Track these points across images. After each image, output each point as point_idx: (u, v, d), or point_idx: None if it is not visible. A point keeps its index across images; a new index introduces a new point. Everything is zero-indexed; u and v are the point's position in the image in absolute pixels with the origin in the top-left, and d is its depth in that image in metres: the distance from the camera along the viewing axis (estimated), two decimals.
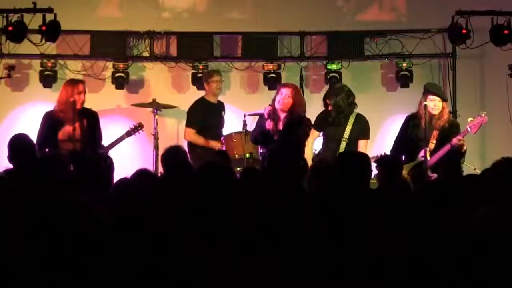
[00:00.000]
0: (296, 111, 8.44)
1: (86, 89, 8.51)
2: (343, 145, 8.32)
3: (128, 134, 8.91)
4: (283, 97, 8.43)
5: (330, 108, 8.39)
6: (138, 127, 8.98)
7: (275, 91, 8.82)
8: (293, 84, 8.87)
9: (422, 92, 8.38)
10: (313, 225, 4.08)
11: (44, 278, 2.97)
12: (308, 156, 8.34)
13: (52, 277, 2.96)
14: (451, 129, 8.23)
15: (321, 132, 8.53)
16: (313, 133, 8.54)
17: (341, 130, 8.36)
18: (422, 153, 8.05)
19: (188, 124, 9.22)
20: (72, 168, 5.75)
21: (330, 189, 5.30)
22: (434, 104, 8.19)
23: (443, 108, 8.26)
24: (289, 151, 8.12)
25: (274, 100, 8.50)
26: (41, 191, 4.95)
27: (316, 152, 8.52)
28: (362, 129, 8.40)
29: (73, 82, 8.53)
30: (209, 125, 9.16)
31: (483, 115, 8.17)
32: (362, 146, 8.35)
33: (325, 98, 8.54)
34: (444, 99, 8.32)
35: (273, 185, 5.35)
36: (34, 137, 7.85)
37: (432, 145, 8.12)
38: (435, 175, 7.65)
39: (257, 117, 8.80)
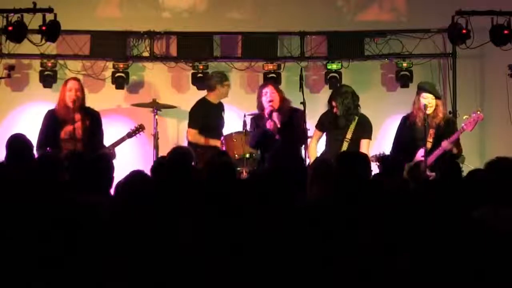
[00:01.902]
0: (286, 105, 8.50)
1: (80, 85, 8.46)
2: (345, 146, 8.36)
3: (129, 135, 8.93)
4: (270, 96, 8.46)
5: (336, 110, 8.40)
6: (139, 129, 9.00)
7: None
8: (270, 82, 8.98)
9: None
10: (315, 227, 4.08)
11: (53, 277, 2.97)
12: (312, 156, 8.36)
13: (61, 276, 2.97)
14: (447, 127, 8.26)
15: (324, 133, 8.56)
16: (316, 133, 8.57)
17: (343, 131, 8.40)
18: (421, 153, 8.05)
19: (190, 125, 9.23)
20: (70, 168, 5.75)
21: (331, 191, 5.30)
22: (428, 101, 8.22)
23: (436, 105, 8.28)
24: (291, 150, 8.16)
25: (260, 104, 8.52)
26: (40, 191, 4.96)
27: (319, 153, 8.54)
28: (364, 129, 8.45)
29: (65, 82, 8.58)
30: (210, 126, 9.17)
31: (478, 112, 8.19)
32: (364, 146, 8.39)
33: (330, 100, 8.54)
34: (437, 97, 8.33)
35: (276, 185, 5.34)
36: (34, 137, 7.86)
37: (429, 144, 8.13)
38: (433, 174, 7.66)
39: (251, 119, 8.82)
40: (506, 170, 5.10)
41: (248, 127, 8.71)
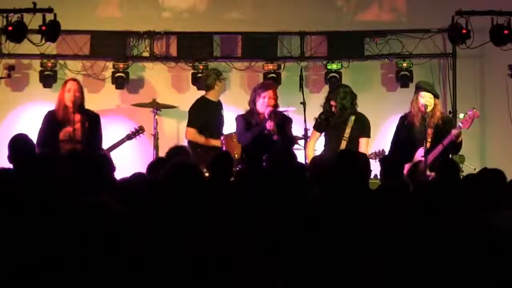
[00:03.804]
0: (278, 110, 8.45)
1: (78, 86, 8.41)
2: (343, 145, 8.35)
3: (129, 137, 8.92)
4: (268, 100, 8.37)
5: (335, 109, 8.39)
6: (139, 131, 8.99)
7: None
8: (270, 83, 8.93)
9: None
10: (314, 227, 4.08)
11: (65, 278, 2.97)
12: (310, 157, 8.34)
13: (75, 277, 2.96)
14: (445, 126, 8.25)
15: (323, 133, 8.55)
16: (314, 134, 8.55)
17: (342, 130, 8.39)
18: (421, 153, 8.05)
19: (189, 124, 9.21)
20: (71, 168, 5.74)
21: (330, 191, 5.30)
22: (426, 100, 8.21)
23: (435, 104, 8.27)
24: (291, 150, 8.15)
25: (254, 103, 8.43)
26: (41, 191, 4.95)
27: (317, 153, 8.52)
28: (363, 128, 8.45)
29: (63, 83, 8.56)
30: (210, 124, 9.15)
31: (474, 110, 8.20)
32: (363, 144, 8.40)
33: (329, 100, 8.52)
34: (435, 96, 8.33)
35: (277, 185, 5.34)
36: (34, 137, 7.86)
37: (428, 144, 8.12)
38: (433, 174, 7.66)
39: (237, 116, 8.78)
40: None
41: (236, 125, 8.66)
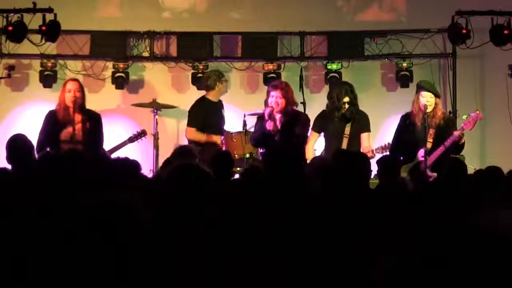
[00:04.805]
0: (290, 109, 8.43)
1: (79, 86, 8.40)
2: (345, 142, 8.34)
3: (131, 140, 8.91)
4: (275, 100, 8.39)
5: (348, 104, 8.37)
6: (141, 134, 8.99)
7: None
8: (280, 83, 8.86)
9: None
10: (312, 226, 4.08)
11: (83, 277, 2.97)
12: (310, 157, 8.33)
13: (91, 276, 2.96)
14: (447, 126, 8.24)
15: (322, 133, 8.54)
16: (313, 135, 8.52)
17: (342, 127, 8.38)
18: (421, 153, 8.05)
19: (189, 123, 9.21)
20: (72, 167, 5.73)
21: (330, 192, 5.30)
22: (427, 100, 8.20)
23: (436, 104, 8.26)
24: (289, 150, 8.14)
25: (266, 103, 8.47)
26: (41, 191, 4.95)
27: (317, 152, 8.52)
28: (362, 123, 8.45)
29: (64, 83, 8.56)
30: (211, 123, 9.15)
31: (477, 111, 8.21)
32: (365, 139, 8.41)
33: (339, 95, 8.46)
34: (436, 95, 8.32)
35: (273, 185, 5.34)
36: (34, 137, 7.86)
37: (429, 144, 8.12)
38: (434, 174, 7.66)
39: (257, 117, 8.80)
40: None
41: (248, 127, 8.69)
